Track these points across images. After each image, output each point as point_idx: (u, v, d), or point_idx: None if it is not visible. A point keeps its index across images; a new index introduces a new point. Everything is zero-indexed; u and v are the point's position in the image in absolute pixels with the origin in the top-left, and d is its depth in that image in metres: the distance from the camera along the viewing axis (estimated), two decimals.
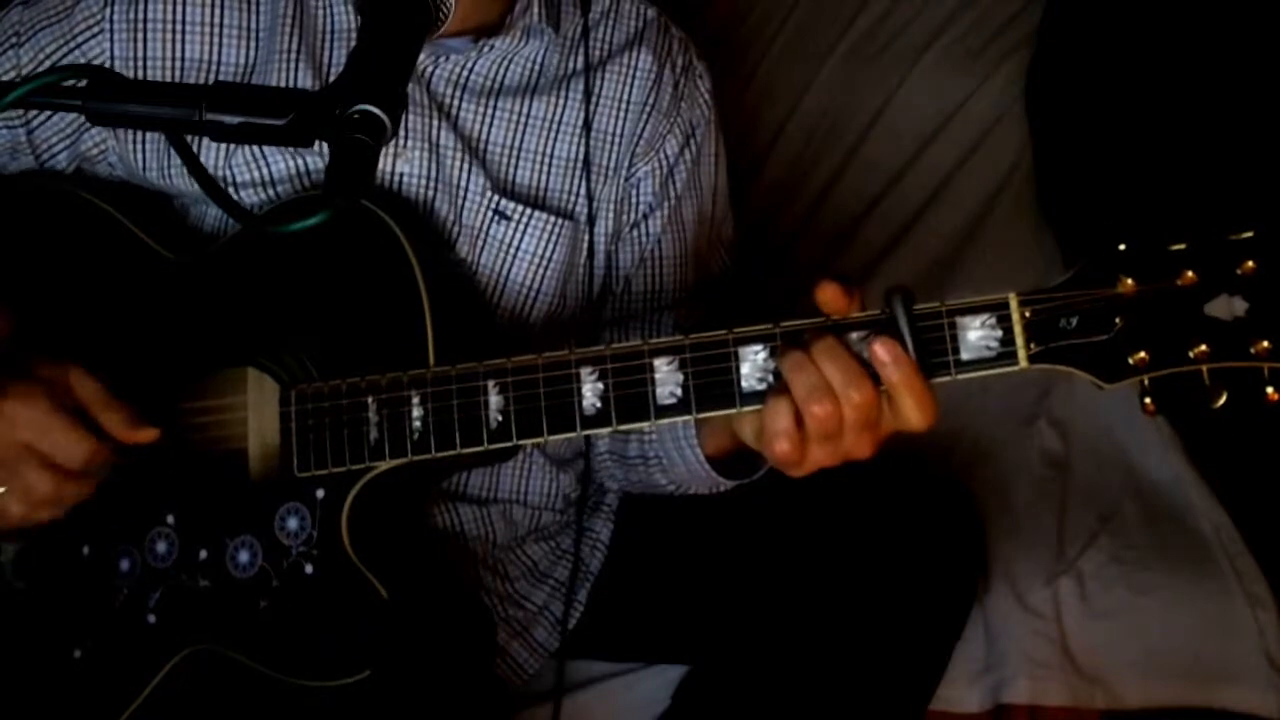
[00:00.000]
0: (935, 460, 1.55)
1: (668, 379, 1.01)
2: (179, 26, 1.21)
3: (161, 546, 1.16)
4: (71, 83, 0.89)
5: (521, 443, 1.06)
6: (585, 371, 1.03)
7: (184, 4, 1.21)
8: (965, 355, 0.95)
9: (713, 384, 1.00)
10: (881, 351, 0.94)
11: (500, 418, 1.06)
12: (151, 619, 1.16)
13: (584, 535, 1.39)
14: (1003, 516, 1.58)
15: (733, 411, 1.01)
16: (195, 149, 1.04)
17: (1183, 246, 0.90)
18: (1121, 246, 0.91)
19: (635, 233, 1.33)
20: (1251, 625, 1.49)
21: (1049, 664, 1.50)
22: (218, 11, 1.21)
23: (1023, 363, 0.93)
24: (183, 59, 1.21)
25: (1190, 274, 0.89)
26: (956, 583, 1.30)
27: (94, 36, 1.21)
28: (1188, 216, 0.94)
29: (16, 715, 1.19)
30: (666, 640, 1.40)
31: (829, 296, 0.97)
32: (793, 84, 1.92)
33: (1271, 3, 1.90)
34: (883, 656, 1.25)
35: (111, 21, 1.21)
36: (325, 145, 1.17)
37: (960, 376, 0.95)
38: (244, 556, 1.13)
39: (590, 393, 1.03)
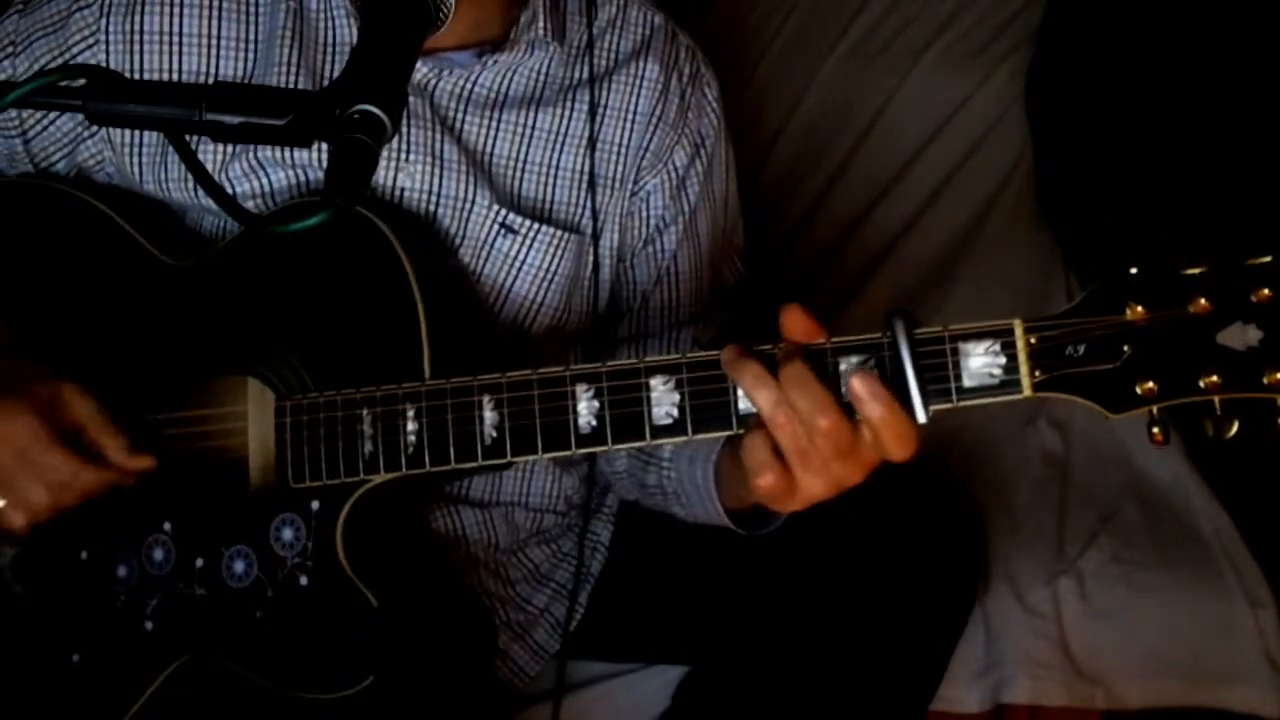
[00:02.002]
0: (935, 460, 1.54)
1: (664, 398, 1.00)
2: (175, 38, 1.19)
3: (159, 554, 1.16)
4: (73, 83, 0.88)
5: (516, 459, 1.05)
6: (581, 389, 1.02)
7: (180, 15, 1.19)
8: (968, 383, 0.93)
9: (709, 405, 0.99)
10: (859, 387, 0.92)
11: (495, 433, 1.05)
12: (149, 626, 1.15)
13: (585, 537, 1.38)
14: (1003, 516, 1.58)
15: (729, 433, 0.99)
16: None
17: (1196, 271, 0.87)
18: (1133, 270, 0.88)
19: (650, 249, 1.31)
20: (1252, 625, 1.50)
21: (1049, 664, 1.50)
22: (215, 23, 1.19)
23: (1027, 391, 0.91)
24: (179, 71, 1.20)
25: (1203, 301, 0.86)
26: (956, 583, 1.30)
27: (89, 47, 1.20)
28: (1188, 217, 0.91)
29: (13, 719, 1.19)
30: (666, 640, 1.40)
31: (794, 323, 0.95)
32: (793, 84, 1.91)
33: (1272, 2, 1.87)
34: (883, 657, 1.25)
35: (107, 33, 1.19)
36: (325, 159, 1.18)
37: (962, 404, 0.93)
38: (239, 566, 1.13)
39: (586, 410, 1.02)
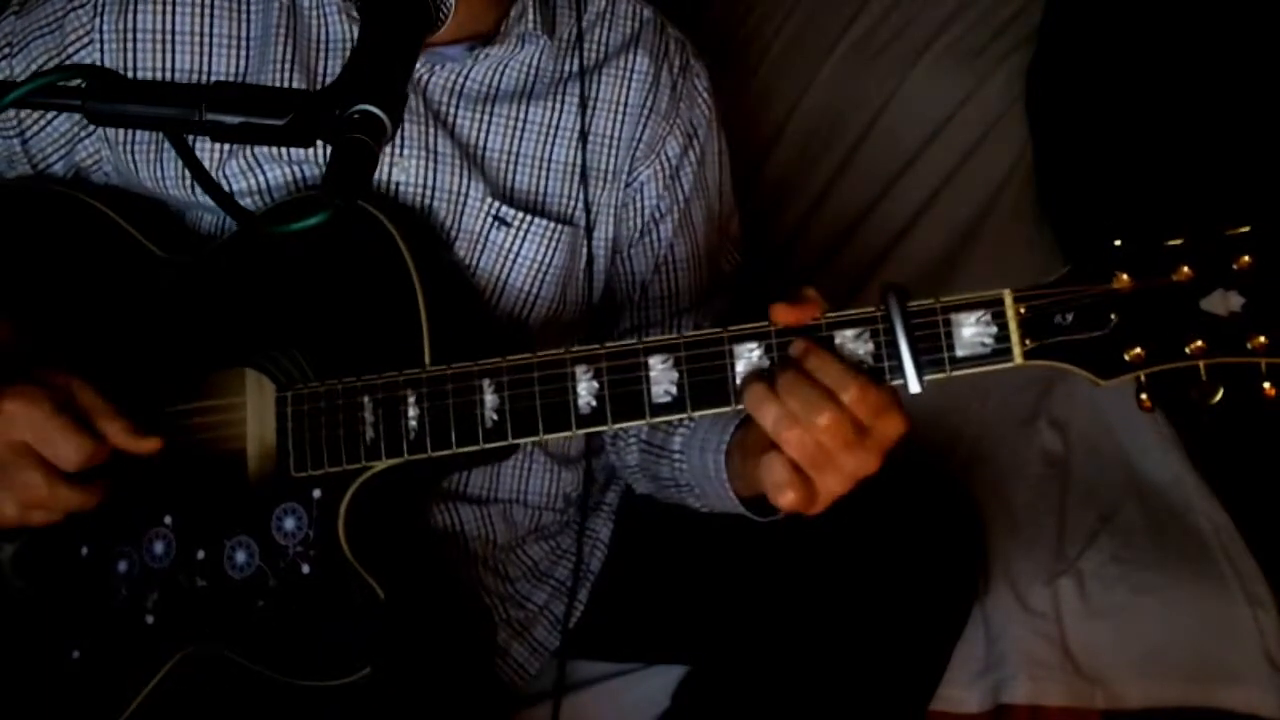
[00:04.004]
0: (935, 460, 1.55)
1: (662, 377, 1.01)
2: (168, 36, 1.21)
3: (159, 547, 1.16)
4: (72, 83, 0.89)
5: (517, 442, 1.06)
6: (580, 370, 1.03)
7: (174, 13, 1.21)
8: (960, 352, 0.95)
9: (707, 382, 1.00)
10: (797, 349, 0.96)
11: (495, 417, 1.06)
12: (150, 619, 1.16)
13: (584, 535, 1.39)
14: (1003, 516, 1.57)
15: (728, 409, 1.01)
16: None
17: (1178, 242, 0.90)
18: (1117, 242, 0.91)
19: (647, 239, 1.33)
20: (1251, 625, 1.49)
21: (1049, 664, 1.49)
22: (208, 21, 1.21)
23: (1018, 359, 0.93)
24: (172, 69, 1.21)
25: (1186, 269, 0.89)
26: (956, 582, 1.30)
27: (85, 47, 1.21)
28: (1188, 215, 0.94)
29: (14, 715, 1.19)
30: (666, 640, 1.40)
31: (782, 316, 0.99)
32: (793, 84, 1.92)
33: (1272, 2, 1.90)
34: (883, 656, 1.25)
35: (101, 32, 1.21)
36: (321, 156, 1.20)
37: (955, 374, 0.95)
38: (241, 557, 1.13)
39: (585, 391, 1.03)
